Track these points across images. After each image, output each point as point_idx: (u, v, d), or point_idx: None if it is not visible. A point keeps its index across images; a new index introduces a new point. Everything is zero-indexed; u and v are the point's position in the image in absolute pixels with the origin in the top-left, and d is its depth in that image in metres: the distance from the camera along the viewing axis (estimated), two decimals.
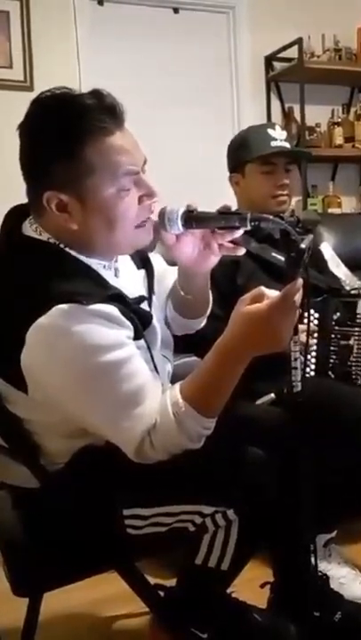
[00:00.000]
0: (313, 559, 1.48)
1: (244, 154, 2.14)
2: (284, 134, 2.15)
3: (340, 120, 4.61)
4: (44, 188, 1.30)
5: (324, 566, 1.91)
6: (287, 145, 2.14)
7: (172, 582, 1.54)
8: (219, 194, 2.23)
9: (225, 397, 1.31)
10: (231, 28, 4.40)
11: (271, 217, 1.36)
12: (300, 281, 1.25)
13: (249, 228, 1.35)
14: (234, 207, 2.09)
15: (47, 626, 1.63)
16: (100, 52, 3.97)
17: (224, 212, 1.38)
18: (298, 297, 1.25)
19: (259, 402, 1.87)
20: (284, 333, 1.27)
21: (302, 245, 1.25)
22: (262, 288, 1.29)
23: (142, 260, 1.56)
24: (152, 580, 1.65)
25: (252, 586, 1.70)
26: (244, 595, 1.58)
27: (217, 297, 2.03)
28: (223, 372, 1.29)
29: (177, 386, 1.32)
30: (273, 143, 2.10)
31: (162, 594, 1.60)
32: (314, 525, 1.50)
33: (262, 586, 1.73)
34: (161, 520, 1.35)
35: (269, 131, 2.13)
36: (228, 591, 1.52)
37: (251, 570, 1.51)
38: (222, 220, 1.38)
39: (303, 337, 1.72)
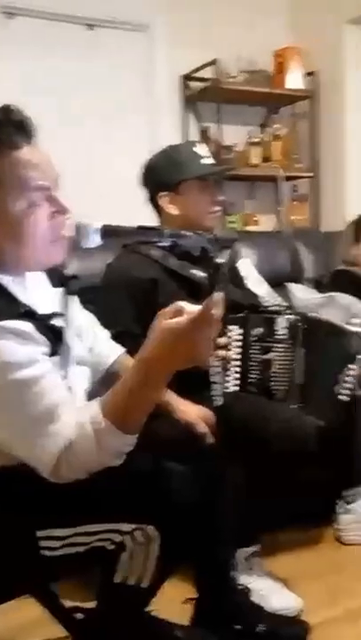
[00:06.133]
0: (233, 573, 1.48)
1: (177, 173, 2.13)
2: (207, 150, 2.19)
3: (257, 140, 4.68)
4: None
5: (245, 579, 1.92)
6: (213, 161, 2.18)
7: (92, 603, 1.51)
8: (134, 210, 2.23)
9: (146, 413, 1.30)
10: (147, 47, 4.39)
11: (189, 233, 1.38)
12: (217, 295, 1.26)
13: (167, 244, 1.36)
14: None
15: None
16: (12, 68, 3.87)
17: (143, 227, 1.39)
18: (217, 311, 1.26)
19: None
20: (202, 347, 1.26)
21: (218, 260, 1.26)
22: (181, 303, 1.29)
23: (61, 280, 1.53)
24: (71, 602, 1.62)
25: (175, 603, 1.69)
26: (166, 612, 1.57)
27: (136, 315, 2.03)
28: (144, 387, 1.27)
29: (96, 402, 1.29)
30: (203, 161, 2.14)
31: (81, 616, 1.57)
32: (234, 540, 1.51)
33: (185, 602, 1.73)
34: (79, 540, 1.32)
35: (195, 149, 2.15)
36: (148, 609, 1.51)
37: (174, 587, 1.50)
38: (141, 234, 1.39)
39: (223, 352, 1.74)
